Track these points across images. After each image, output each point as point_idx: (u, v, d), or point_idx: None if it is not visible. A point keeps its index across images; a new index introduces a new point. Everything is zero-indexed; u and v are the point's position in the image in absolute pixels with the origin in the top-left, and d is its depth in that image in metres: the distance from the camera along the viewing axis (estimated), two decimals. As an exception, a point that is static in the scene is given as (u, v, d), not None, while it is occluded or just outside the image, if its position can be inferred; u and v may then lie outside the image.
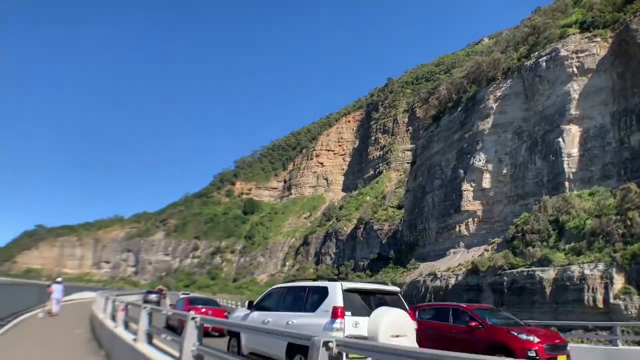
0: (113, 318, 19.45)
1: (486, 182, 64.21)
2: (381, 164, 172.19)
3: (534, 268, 45.77)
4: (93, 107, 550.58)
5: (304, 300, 13.36)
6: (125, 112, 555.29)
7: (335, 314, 11.68)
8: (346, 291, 12.39)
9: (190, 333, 10.25)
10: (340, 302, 11.93)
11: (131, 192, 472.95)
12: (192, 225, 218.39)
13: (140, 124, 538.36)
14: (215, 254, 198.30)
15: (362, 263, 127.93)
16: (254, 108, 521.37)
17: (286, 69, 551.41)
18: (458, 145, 71.48)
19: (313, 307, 12.65)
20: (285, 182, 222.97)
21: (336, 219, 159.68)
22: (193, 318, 10.47)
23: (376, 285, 14.29)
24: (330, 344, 6.54)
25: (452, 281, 57.10)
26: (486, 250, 58.47)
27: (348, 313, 11.81)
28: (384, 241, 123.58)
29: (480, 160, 65.23)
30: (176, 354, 11.03)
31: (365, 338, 10.82)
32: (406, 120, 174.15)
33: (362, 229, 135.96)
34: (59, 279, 38.59)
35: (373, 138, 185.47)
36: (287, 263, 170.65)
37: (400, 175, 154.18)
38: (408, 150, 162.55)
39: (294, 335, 8.70)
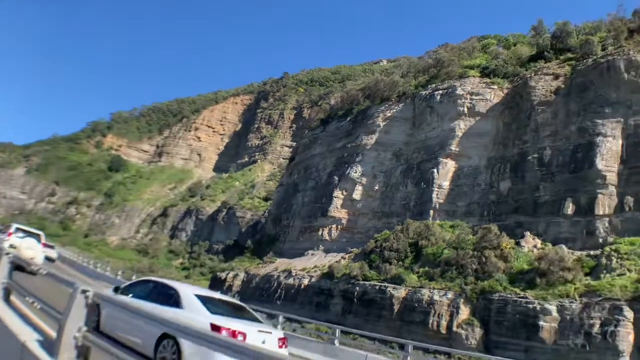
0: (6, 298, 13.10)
1: (357, 194, 66.11)
2: (258, 153, 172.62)
3: (386, 284, 47.53)
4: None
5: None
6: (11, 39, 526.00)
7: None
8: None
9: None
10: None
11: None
12: (55, 168, 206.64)
13: (27, 49, 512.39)
14: (72, 204, 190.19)
15: (217, 247, 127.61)
16: (145, 63, 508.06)
17: (191, 35, 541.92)
18: (339, 152, 73.22)
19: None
20: (157, 147, 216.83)
21: (200, 197, 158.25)
22: (7, 254, 10.22)
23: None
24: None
25: (306, 281, 58.21)
26: (343, 257, 59.88)
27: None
28: (243, 229, 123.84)
29: (356, 172, 67.04)
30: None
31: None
32: (292, 117, 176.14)
33: (224, 213, 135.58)
34: None
35: (256, 126, 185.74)
36: (141, 230, 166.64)
37: (274, 168, 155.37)
38: (287, 146, 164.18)
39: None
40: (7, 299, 11.15)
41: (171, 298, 13.21)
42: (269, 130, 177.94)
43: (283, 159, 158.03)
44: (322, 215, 68.36)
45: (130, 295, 13.98)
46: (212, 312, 12.39)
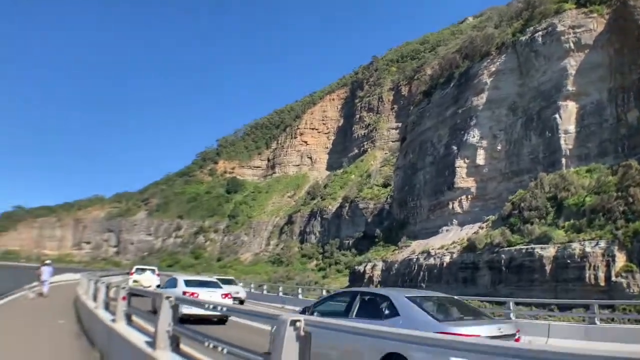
0: (106, 307, 17.49)
1: (480, 159, 63.02)
2: (366, 143, 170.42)
3: (533, 245, 44.75)
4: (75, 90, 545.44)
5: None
6: (106, 94, 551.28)
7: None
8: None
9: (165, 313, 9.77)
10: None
11: (112, 172, 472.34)
12: (175, 204, 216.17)
13: (121, 105, 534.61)
14: (199, 233, 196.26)
15: (348, 242, 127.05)
16: (236, 86, 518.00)
17: (270, 47, 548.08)
18: (451, 121, 70.02)
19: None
20: (268, 160, 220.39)
21: (321, 197, 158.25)
22: (167, 297, 10.03)
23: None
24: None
25: (447, 259, 56.06)
26: (481, 227, 57.43)
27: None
28: (369, 220, 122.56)
29: (474, 137, 64.00)
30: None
31: None
32: (391, 98, 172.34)
33: (347, 208, 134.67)
34: (47, 262, 38.65)
35: (358, 116, 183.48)
36: (271, 242, 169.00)
37: (386, 153, 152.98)
38: (393, 129, 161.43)
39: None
40: (177, 349, 10.11)
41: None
42: (371, 118, 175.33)
43: (392, 142, 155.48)
44: (449, 189, 65.69)
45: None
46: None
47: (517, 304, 27.06)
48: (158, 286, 47.27)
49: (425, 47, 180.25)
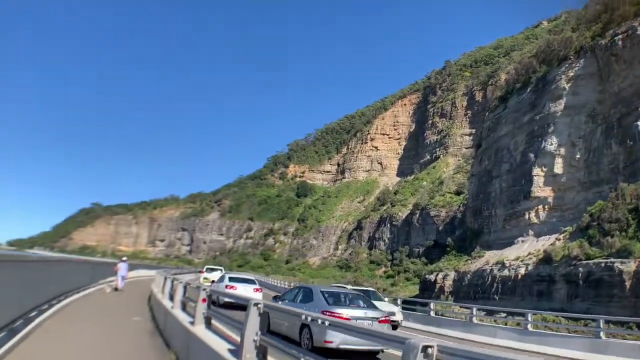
0: (184, 308, 17.12)
1: (558, 167, 60.70)
2: (438, 149, 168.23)
3: (612, 259, 42.66)
4: (154, 89, 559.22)
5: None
6: (182, 94, 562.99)
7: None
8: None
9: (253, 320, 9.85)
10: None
11: (187, 173, 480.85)
12: (246, 206, 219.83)
13: (198, 106, 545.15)
14: (269, 235, 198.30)
15: (417, 250, 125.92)
16: (308, 91, 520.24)
17: (342, 52, 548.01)
18: (528, 127, 67.64)
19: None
20: (338, 165, 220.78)
21: (391, 204, 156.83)
22: (256, 304, 10.01)
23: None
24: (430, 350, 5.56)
25: (522, 271, 54.19)
26: (557, 239, 55.25)
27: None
28: (440, 228, 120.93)
29: (552, 144, 61.68)
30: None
31: None
32: (465, 104, 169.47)
33: (417, 215, 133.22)
34: (124, 258, 41.38)
35: (430, 122, 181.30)
36: (339, 247, 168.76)
37: (458, 160, 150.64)
38: (466, 135, 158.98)
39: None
40: (184, 308, 14.61)
41: (307, 296, 17.73)
42: (444, 123, 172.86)
43: (465, 148, 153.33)
44: (525, 198, 63.49)
45: (286, 300, 18.61)
46: (329, 303, 16.47)
47: (607, 322, 25.40)
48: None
49: (499, 51, 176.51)
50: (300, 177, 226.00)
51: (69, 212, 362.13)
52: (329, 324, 8.67)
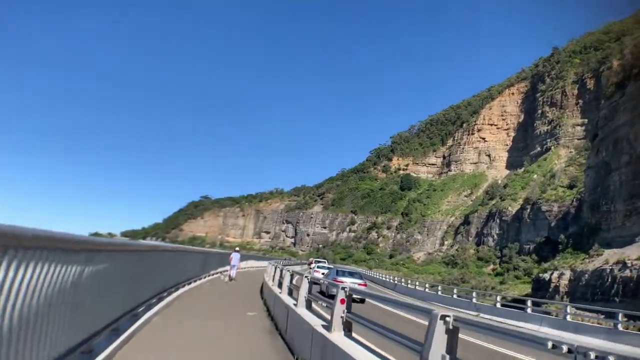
0: (309, 306, 14.94)
1: (687, 158, 55.16)
2: (549, 140, 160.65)
3: None
4: (264, 86, 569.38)
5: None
6: (289, 91, 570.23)
7: None
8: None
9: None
10: None
11: (291, 167, 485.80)
12: (349, 199, 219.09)
13: (303, 101, 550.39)
14: (372, 229, 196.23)
15: (528, 246, 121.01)
16: (411, 82, 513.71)
17: (445, 40, 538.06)
18: (651, 115, 62.03)
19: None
20: (444, 158, 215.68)
21: (500, 198, 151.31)
22: (343, 288, 11.31)
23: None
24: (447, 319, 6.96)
25: (646, 272, 49.34)
26: (687, 237, 50.08)
27: None
28: (553, 224, 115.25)
29: (680, 133, 56.14)
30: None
31: None
32: (576, 92, 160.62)
33: (528, 210, 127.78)
34: (237, 249, 43.36)
35: (539, 112, 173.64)
36: (445, 242, 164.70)
37: (571, 152, 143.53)
38: (579, 125, 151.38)
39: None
40: (309, 307, 14.53)
41: (332, 272, 37.32)
42: (554, 113, 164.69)
43: (578, 139, 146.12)
44: (648, 193, 58.20)
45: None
46: (338, 275, 33.32)
47: None
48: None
49: (609, 37, 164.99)
50: (404, 170, 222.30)
51: (180, 205, 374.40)
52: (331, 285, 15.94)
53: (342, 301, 10.99)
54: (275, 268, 24.85)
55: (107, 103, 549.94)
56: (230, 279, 37.98)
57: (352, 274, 36.01)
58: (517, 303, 36.81)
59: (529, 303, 32.10)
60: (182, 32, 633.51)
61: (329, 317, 11.75)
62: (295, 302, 15.47)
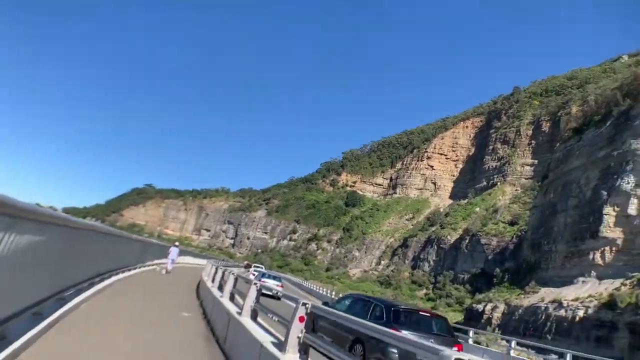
0: (255, 317, 13.24)
1: (632, 209, 56.63)
2: (496, 176, 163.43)
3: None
4: (221, 83, 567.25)
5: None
6: (245, 87, 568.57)
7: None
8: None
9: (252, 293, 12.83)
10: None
11: (240, 167, 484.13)
12: (294, 208, 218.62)
13: (258, 102, 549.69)
14: (312, 240, 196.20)
15: (463, 276, 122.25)
16: (368, 101, 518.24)
17: (408, 66, 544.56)
18: (603, 163, 63.53)
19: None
20: (391, 180, 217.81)
21: (440, 225, 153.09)
22: (255, 284, 13.42)
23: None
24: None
25: (580, 313, 50.62)
26: (623, 284, 51.43)
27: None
28: (490, 257, 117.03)
29: (628, 183, 57.66)
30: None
31: None
32: (530, 132, 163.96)
33: (467, 241, 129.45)
34: (176, 243, 45.97)
35: (491, 147, 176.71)
36: (382, 262, 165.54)
37: (516, 190, 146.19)
38: (528, 165, 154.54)
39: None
40: (254, 318, 13.16)
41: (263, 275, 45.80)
42: (505, 151, 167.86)
43: (525, 179, 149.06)
44: (592, 237, 59.43)
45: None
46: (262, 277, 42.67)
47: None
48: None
49: (572, 82, 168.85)
50: (351, 186, 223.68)
51: (123, 189, 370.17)
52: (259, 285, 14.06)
53: (300, 319, 9.53)
54: (217, 269, 24.18)
55: (70, 75, 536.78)
56: (167, 272, 37.94)
57: (274, 277, 46.96)
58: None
59: (470, 333, 31.07)
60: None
61: (276, 332, 11.72)
62: (239, 310, 14.02)
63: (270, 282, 40.28)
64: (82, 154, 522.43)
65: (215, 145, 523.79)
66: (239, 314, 13.35)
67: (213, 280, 23.30)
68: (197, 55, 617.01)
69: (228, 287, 17.88)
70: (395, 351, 11.72)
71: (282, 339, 9.87)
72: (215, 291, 20.01)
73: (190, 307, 20.84)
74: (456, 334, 27.49)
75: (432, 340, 12.00)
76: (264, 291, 18.00)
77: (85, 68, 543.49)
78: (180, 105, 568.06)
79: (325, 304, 18.55)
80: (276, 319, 11.44)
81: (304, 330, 9.45)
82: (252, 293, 13.29)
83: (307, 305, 9.72)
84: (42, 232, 8.15)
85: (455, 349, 13.99)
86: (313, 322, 12.43)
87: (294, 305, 9.76)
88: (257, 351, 10.11)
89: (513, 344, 28.21)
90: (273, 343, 10.12)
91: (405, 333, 11.25)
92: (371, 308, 15.80)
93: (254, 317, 13.09)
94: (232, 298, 17.40)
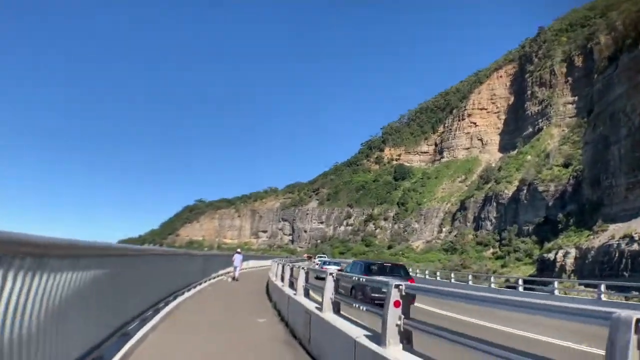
0: (337, 311, 11.99)
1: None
2: (540, 120, 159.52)
3: None
4: (243, 83, 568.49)
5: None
6: (275, 87, 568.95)
7: None
8: None
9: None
10: None
11: (283, 164, 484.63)
12: (344, 193, 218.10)
13: (289, 97, 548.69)
14: (369, 221, 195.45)
15: (527, 228, 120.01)
16: (398, 71, 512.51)
17: (429, 28, 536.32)
18: (647, 84, 61.00)
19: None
20: (436, 145, 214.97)
21: (495, 181, 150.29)
22: (331, 274, 12.25)
23: None
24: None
25: (655, 244, 48.51)
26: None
27: None
28: (550, 203, 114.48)
29: (676, 101, 55.12)
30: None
31: None
32: (564, 70, 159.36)
33: (525, 191, 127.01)
34: (238, 250, 44.67)
35: (529, 92, 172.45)
36: (443, 229, 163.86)
37: (563, 130, 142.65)
38: (569, 103, 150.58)
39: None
40: (337, 311, 12.05)
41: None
42: (544, 93, 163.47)
43: (569, 117, 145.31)
44: (649, 164, 57.19)
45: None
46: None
47: None
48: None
49: (594, 12, 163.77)
50: (396, 160, 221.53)
51: (175, 210, 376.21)
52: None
53: (396, 304, 8.17)
54: (283, 267, 23.58)
55: (98, 108, 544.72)
56: (234, 279, 38.48)
57: (335, 263, 51.47)
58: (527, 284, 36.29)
59: (555, 284, 30.93)
60: (166, 34, 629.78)
61: (366, 323, 9.94)
62: (318, 306, 12.72)
63: (332, 268, 40.26)
64: (124, 185, 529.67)
65: (256, 148, 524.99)
66: (319, 309, 12.25)
67: (282, 279, 22.37)
68: (227, 54, 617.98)
69: (300, 283, 16.92)
70: (369, 287, 16.69)
71: (377, 329, 8.52)
72: (287, 290, 18.84)
73: (264, 312, 19.65)
74: (531, 286, 28.06)
75: (335, 267, 31.48)
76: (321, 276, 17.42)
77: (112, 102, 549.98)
78: (212, 117, 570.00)
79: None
80: (364, 309, 10.25)
81: (403, 317, 7.93)
82: (329, 284, 12.34)
83: (400, 287, 8.17)
84: (102, 265, 7.71)
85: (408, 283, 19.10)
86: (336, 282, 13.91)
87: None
88: (351, 347, 8.91)
89: (603, 287, 27.89)
90: (367, 336, 8.83)
91: (376, 278, 16.66)
92: (358, 266, 26.71)
93: (336, 310, 12.06)
94: (306, 294, 16.61)
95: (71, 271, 5.92)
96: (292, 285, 19.03)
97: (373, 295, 19.45)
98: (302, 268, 18.13)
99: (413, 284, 8.95)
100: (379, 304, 9.45)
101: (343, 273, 16.32)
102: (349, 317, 11.17)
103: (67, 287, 5.79)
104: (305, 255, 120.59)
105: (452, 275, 51.04)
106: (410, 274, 32.57)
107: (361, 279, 13.50)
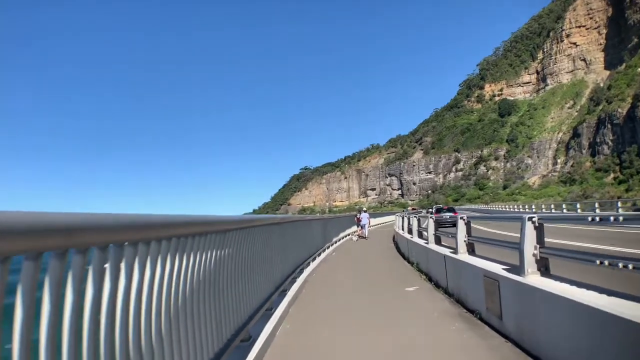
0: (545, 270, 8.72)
1: None
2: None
3: None
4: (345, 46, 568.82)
5: None
6: (371, 46, 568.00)
7: None
8: None
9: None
10: None
11: (382, 120, 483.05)
12: (449, 138, 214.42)
13: (379, 50, 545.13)
14: (479, 163, 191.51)
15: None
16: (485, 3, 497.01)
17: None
18: None
19: None
20: (537, 73, 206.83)
21: (606, 101, 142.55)
22: (461, 218, 11.81)
23: None
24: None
25: None
26: None
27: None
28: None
29: None
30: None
31: None
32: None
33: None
34: (364, 208, 45.70)
35: (628, 0, 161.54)
36: (558, 161, 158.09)
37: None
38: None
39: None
40: (472, 251, 11.70)
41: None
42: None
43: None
44: None
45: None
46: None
47: None
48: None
49: None
50: (499, 95, 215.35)
51: (282, 181, 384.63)
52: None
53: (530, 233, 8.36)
54: (409, 219, 23.00)
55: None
56: (362, 237, 37.93)
57: (448, 210, 50.01)
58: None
59: None
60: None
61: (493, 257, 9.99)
62: (506, 267, 8.90)
63: (446, 215, 40.64)
64: (234, 165, 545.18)
65: (352, 108, 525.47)
66: (510, 271, 8.41)
67: (420, 235, 19.68)
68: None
69: (430, 231, 16.61)
70: (438, 218, 17.19)
71: (515, 263, 8.44)
72: (434, 246, 15.35)
73: (409, 279, 15.24)
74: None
75: (448, 214, 39.19)
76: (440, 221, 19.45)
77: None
78: (310, 85, 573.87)
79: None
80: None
81: (538, 246, 7.96)
82: (462, 227, 12.07)
83: (533, 220, 8.13)
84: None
85: (452, 214, 40.14)
86: (419, 221, 20.53)
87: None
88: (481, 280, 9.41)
89: None
90: (507, 269, 8.84)
91: (441, 214, 41.42)
92: (434, 209, 48.04)
93: (471, 250, 12.05)
94: (438, 241, 15.92)
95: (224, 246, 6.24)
96: (438, 240, 16.04)
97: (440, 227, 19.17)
98: (430, 217, 17.31)
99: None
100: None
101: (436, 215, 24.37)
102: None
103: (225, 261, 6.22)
104: (410, 207, 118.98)
105: (578, 206, 50.84)
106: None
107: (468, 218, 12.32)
